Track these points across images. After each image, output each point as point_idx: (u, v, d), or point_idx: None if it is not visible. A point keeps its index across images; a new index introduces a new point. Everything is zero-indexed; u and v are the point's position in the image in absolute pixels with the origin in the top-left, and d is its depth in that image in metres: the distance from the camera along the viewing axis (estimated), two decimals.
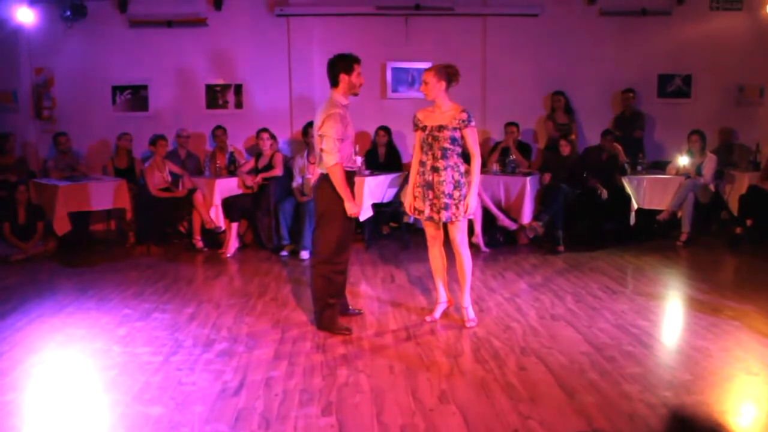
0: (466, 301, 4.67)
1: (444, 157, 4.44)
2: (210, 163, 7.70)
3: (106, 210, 7.90)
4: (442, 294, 4.84)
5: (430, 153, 4.48)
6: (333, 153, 4.29)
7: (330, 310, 4.55)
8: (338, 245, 4.49)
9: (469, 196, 4.47)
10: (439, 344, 4.28)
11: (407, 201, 4.70)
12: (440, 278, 4.81)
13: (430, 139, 4.46)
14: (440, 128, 4.43)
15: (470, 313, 4.66)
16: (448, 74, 4.45)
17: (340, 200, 4.40)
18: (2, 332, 4.58)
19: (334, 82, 4.47)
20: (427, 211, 4.55)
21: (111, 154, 8.29)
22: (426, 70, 4.50)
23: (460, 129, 4.42)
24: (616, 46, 8.65)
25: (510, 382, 3.64)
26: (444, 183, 4.44)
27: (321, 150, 4.36)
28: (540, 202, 7.26)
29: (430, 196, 4.51)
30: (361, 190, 7.06)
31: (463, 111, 4.45)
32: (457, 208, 4.47)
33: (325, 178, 4.42)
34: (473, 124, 4.45)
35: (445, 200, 4.46)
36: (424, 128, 4.51)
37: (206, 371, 3.86)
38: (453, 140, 4.43)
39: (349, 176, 4.52)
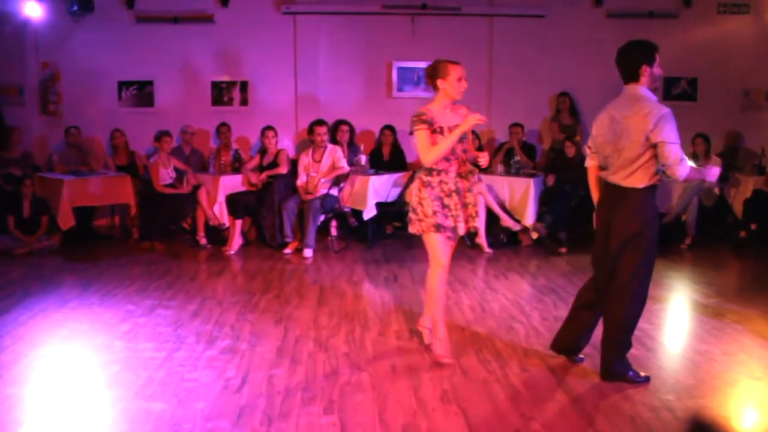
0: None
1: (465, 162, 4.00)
2: (214, 159, 7.70)
3: (110, 205, 7.92)
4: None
5: (453, 157, 3.92)
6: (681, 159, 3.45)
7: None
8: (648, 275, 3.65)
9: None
10: None
11: (452, 221, 3.90)
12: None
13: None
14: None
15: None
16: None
17: (654, 221, 3.62)
18: (5, 326, 4.59)
19: (634, 76, 3.60)
20: (461, 226, 3.92)
21: (108, 154, 8.27)
22: (457, 65, 3.91)
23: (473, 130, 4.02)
24: None
25: (512, 384, 3.64)
26: (470, 192, 3.98)
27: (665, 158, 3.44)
28: (544, 204, 7.25)
29: (461, 207, 3.94)
30: (365, 190, 7.09)
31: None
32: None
33: (648, 189, 3.55)
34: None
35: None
36: (441, 130, 3.92)
37: (209, 368, 3.86)
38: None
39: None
